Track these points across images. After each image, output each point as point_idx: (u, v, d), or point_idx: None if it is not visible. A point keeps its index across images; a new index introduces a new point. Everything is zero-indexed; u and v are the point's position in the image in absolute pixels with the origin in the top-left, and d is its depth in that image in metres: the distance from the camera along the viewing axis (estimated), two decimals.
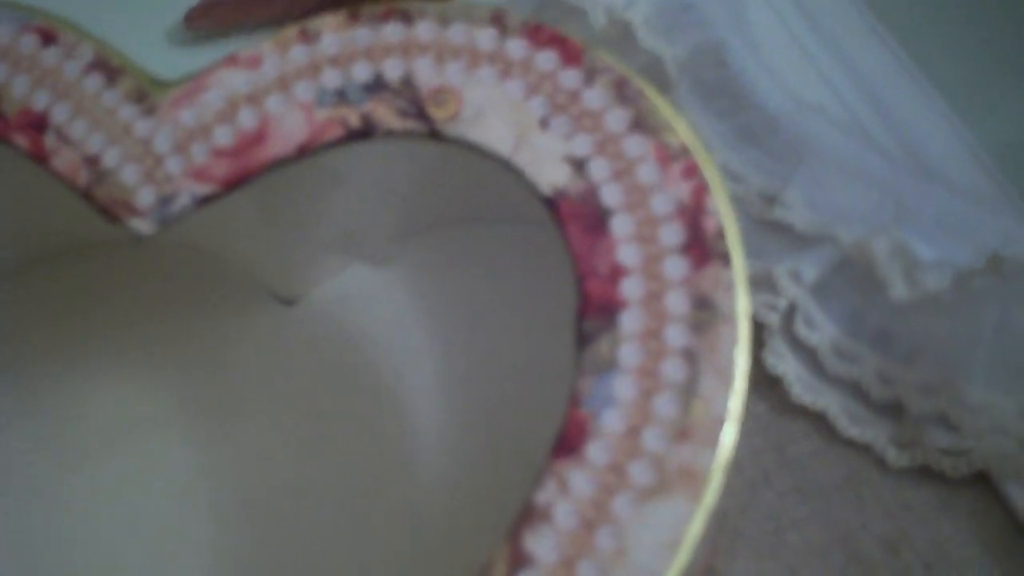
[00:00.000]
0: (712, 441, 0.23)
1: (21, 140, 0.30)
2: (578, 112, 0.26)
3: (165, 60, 0.45)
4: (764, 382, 0.40)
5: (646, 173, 0.26)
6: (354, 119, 0.28)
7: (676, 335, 0.24)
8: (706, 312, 0.24)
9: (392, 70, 0.28)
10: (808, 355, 0.40)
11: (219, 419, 0.37)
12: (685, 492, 0.22)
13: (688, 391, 0.23)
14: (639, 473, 0.23)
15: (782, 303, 0.39)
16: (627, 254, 0.25)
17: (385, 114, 0.28)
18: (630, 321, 0.24)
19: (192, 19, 0.49)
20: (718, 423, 0.23)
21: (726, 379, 0.24)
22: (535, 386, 0.33)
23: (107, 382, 0.38)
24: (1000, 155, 0.44)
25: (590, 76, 0.27)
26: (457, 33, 0.28)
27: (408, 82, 0.28)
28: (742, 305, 0.24)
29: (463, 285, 0.39)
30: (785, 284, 0.39)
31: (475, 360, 0.38)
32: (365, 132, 0.28)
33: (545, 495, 0.23)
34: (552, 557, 0.22)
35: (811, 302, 0.40)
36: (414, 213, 0.39)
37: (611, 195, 0.25)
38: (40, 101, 0.30)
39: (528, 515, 0.23)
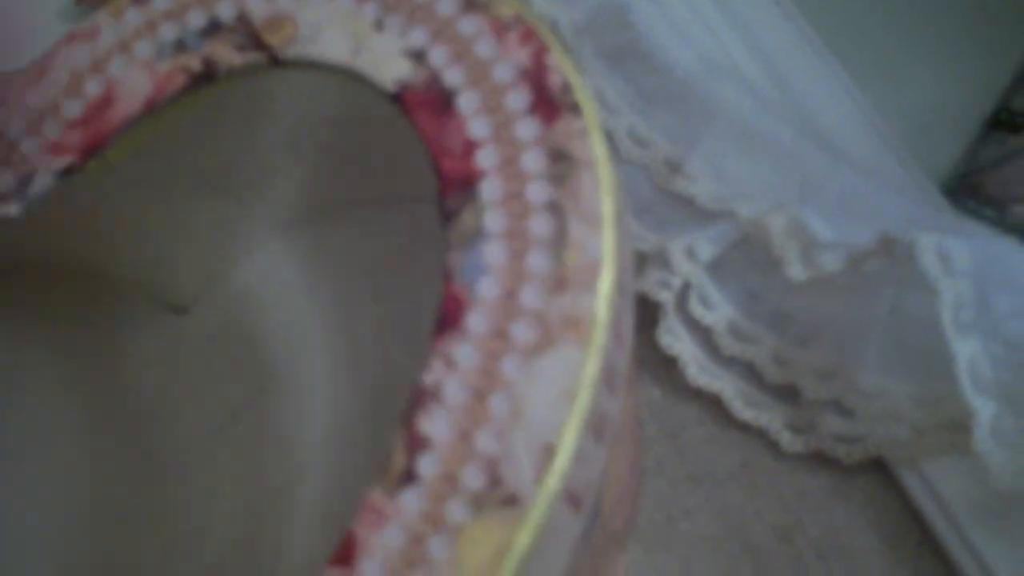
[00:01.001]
0: (590, 285, 0.23)
1: None
2: (409, 8, 0.27)
3: (55, 37, 0.45)
4: (659, 364, 0.39)
5: (484, 48, 0.26)
6: (195, 64, 0.29)
7: (537, 191, 0.24)
8: (564, 163, 0.24)
9: (225, 11, 0.29)
10: (703, 335, 0.39)
11: (122, 432, 0.37)
12: (572, 339, 0.22)
13: (558, 242, 0.23)
14: (522, 332, 0.23)
15: (676, 281, 0.38)
16: (477, 127, 0.25)
17: (224, 52, 0.28)
18: (490, 189, 0.24)
19: None
20: (593, 266, 0.23)
21: (594, 223, 0.23)
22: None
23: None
24: (903, 132, 0.44)
25: None
26: None
27: (242, 18, 0.29)
28: (598, 150, 0.25)
29: (351, 273, 0.39)
30: (679, 261, 0.38)
31: (366, 345, 0.37)
32: (208, 75, 0.28)
33: (432, 375, 0.23)
34: (448, 434, 0.22)
35: (707, 280, 0.39)
36: (299, 194, 0.38)
37: (453, 76, 0.26)
38: None
39: (419, 398, 0.23)
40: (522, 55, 0.26)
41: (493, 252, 0.24)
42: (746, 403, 0.38)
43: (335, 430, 0.36)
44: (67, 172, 0.29)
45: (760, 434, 0.38)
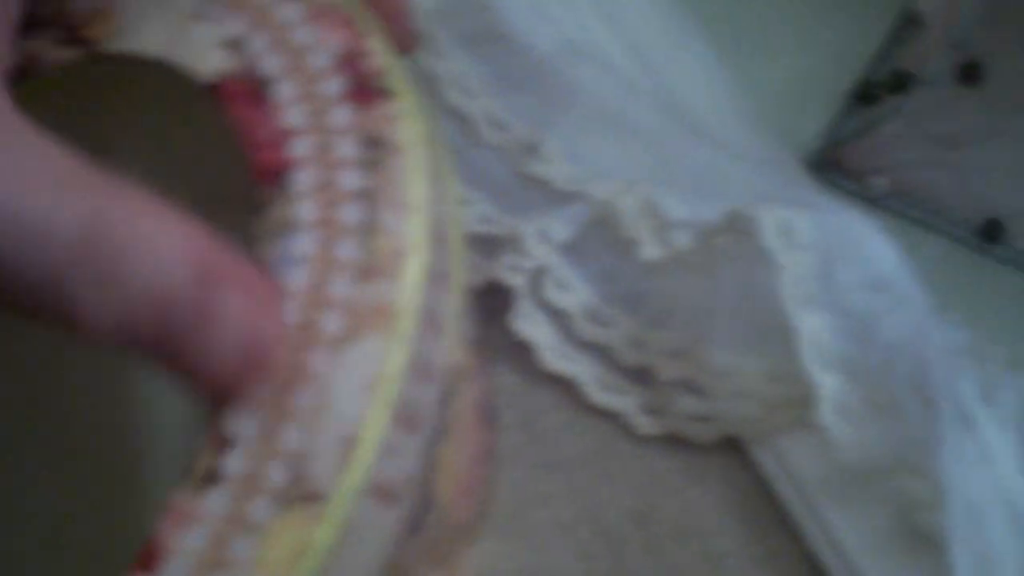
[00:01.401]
0: (397, 273, 0.22)
1: None
2: None
3: None
4: (513, 350, 0.39)
5: (301, 36, 0.26)
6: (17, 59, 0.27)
7: (349, 179, 0.23)
8: (377, 149, 0.24)
9: (44, 7, 0.28)
10: (560, 320, 0.39)
11: None
12: (377, 329, 0.22)
13: (367, 230, 0.23)
14: (330, 323, 0.22)
15: (527, 264, 0.38)
16: (292, 117, 0.25)
17: (44, 47, 0.27)
18: (302, 179, 0.24)
19: None
20: (401, 254, 0.23)
21: (405, 209, 0.23)
22: None
23: None
24: (769, 106, 0.44)
25: None
26: None
27: (60, 12, 0.28)
28: (414, 134, 0.24)
29: None
30: (532, 245, 0.38)
31: None
32: (31, 71, 0.27)
33: None
34: (253, 431, 0.22)
35: (562, 263, 0.39)
36: None
37: (270, 66, 0.25)
38: None
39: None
40: (339, 42, 0.25)
41: (304, 243, 0.23)
42: (601, 387, 0.38)
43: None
44: None
45: (616, 418, 0.38)
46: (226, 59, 0.26)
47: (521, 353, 0.39)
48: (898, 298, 0.34)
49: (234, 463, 0.22)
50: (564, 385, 0.38)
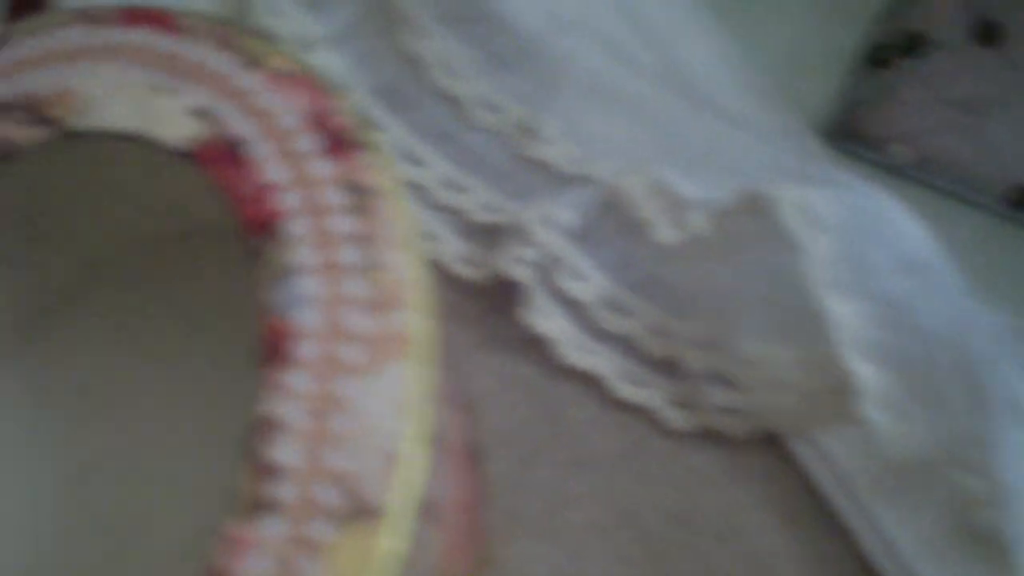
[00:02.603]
0: (405, 300, 0.25)
1: None
2: (184, 68, 0.29)
3: None
4: (532, 344, 0.37)
5: (265, 100, 0.28)
6: None
7: (341, 223, 0.26)
8: (359, 196, 0.26)
9: (5, 89, 0.29)
10: (575, 310, 0.37)
11: None
12: (398, 353, 0.24)
13: (369, 268, 0.25)
14: (352, 354, 0.25)
15: (531, 253, 0.36)
16: (273, 172, 0.27)
17: (11, 129, 0.29)
18: (296, 227, 0.26)
19: None
20: (406, 284, 0.25)
21: (399, 245, 0.26)
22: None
23: None
24: (773, 71, 0.42)
25: (180, 34, 0.29)
26: (54, 40, 0.30)
27: (21, 95, 0.29)
28: (391, 180, 0.27)
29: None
30: (538, 232, 0.36)
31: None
32: (4, 154, 0.29)
33: (270, 404, 0.24)
34: (297, 458, 0.24)
35: (574, 250, 0.37)
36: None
37: (241, 128, 0.28)
38: None
39: (261, 428, 0.24)
40: (304, 103, 0.28)
41: (308, 284, 0.26)
42: (626, 380, 0.36)
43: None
44: None
45: (645, 412, 0.36)
46: (196, 126, 0.28)
47: (538, 346, 0.37)
48: (933, 281, 0.32)
49: (285, 489, 0.24)
50: (589, 379, 0.37)
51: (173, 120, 0.28)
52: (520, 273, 0.36)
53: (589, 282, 0.37)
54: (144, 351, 0.37)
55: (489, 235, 0.39)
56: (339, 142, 0.27)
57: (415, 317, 0.25)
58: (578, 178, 0.38)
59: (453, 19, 0.40)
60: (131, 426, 0.36)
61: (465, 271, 0.39)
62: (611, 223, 0.37)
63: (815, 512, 0.35)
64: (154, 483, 0.35)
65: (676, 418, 0.36)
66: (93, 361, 0.37)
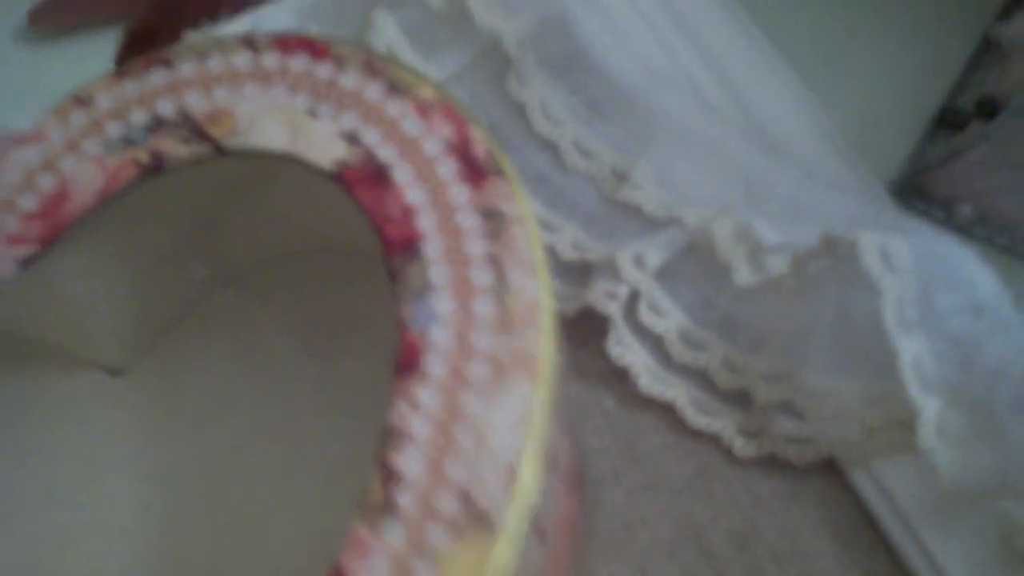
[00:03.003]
0: (532, 322, 0.27)
1: None
2: (339, 94, 0.31)
3: (11, 59, 0.51)
4: (613, 375, 0.40)
5: (410, 127, 0.30)
6: (144, 157, 0.31)
7: (475, 246, 0.28)
8: (495, 220, 0.28)
9: (165, 107, 0.32)
10: (655, 344, 0.40)
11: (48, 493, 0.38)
12: (524, 374, 0.26)
13: (499, 287, 0.27)
14: (478, 369, 0.26)
15: (622, 290, 0.39)
16: (414, 195, 0.29)
17: (171, 146, 0.31)
18: (431, 247, 0.28)
19: (36, 17, 0.51)
20: (534, 307, 0.27)
21: (529, 269, 0.27)
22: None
23: None
24: (850, 133, 0.45)
25: (340, 63, 0.31)
26: (216, 64, 0.32)
27: (182, 113, 0.32)
28: (524, 207, 0.28)
29: (289, 330, 0.41)
30: (628, 270, 0.39)
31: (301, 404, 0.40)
32: (157, 166, 0.31)
33: (399, 415, 0.26)
34: (420, 467, 0.25)
35: (657, 288, 0.40)
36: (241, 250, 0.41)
37: (386, 153, 0.30)
38: None
39: (389, 436, 0.26)
40: (447, 131, 0.30)
41: (442, 302, 0.27)
42: (699, 410, 0.39)
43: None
44: (28, 262, 0.31)
45: (714, 440, 0.39)
46: (345, 150, 0.30)
47: (619, 377, 0.40)
48: (998, 323, 0.35)
49: (406, 496, 0.25)
50: (662, 408, 0.40)
51: (324, 143, 0.30)
52: (609, 307, 0.39)
53: (669, 318, 0.40)
54: (269, 359, 0.39)
55: (575, 272, 0.43)
56: (476, 169, 0.29)
57: (540, 339, 0.26)
58: (665, 221, 0.41)
59: (555, 68, 0.44)
60: (258, 426, 0.39)
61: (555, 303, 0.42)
62: (694, 264, 0.40)
63: (870, 537, 0.38)
64: (280, 481, 0.37)
65: (743, 446, 0.39)
66: (220, 367, 0.40)
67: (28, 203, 0.32)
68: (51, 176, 0.32)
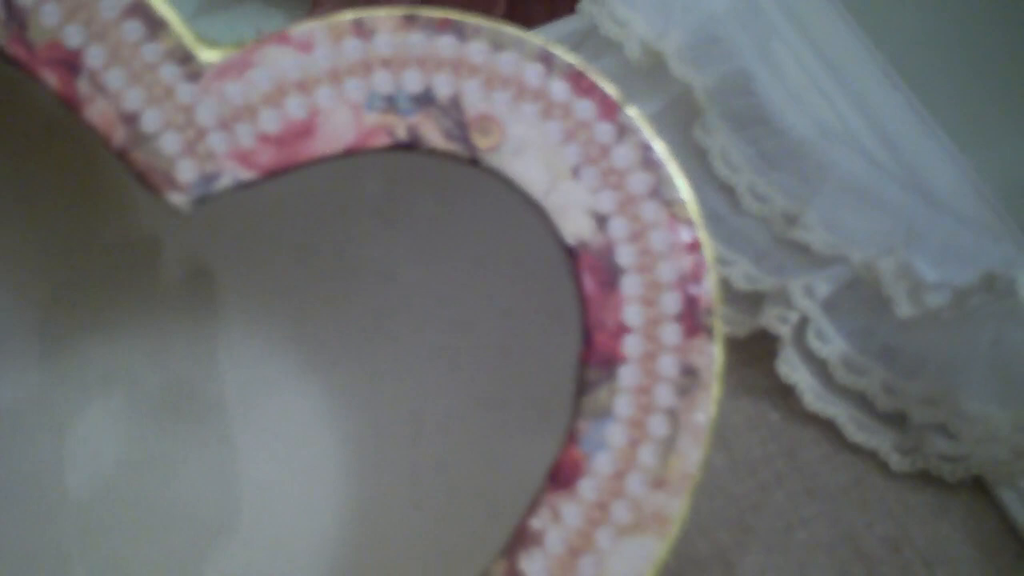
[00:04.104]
0: (682, 491, 0.27)
1: (50, 78, 0.28)
2: (607, 167, 0.29)
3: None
4: (777, 391, 0.45)
5: (658, 240, 0.28)
6: (401, 130, 0.29)
7: (664, 395, 0.28)
8: (690, 378, 0.28)
9: (442, 86, 0.29)
10: (819, 366, 0.45)
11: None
12: (656, 532, 0.27)
13: (668, 446, 0.27)
14: (621, 512, 0.27)
15: (793, 316, 0.44)
16: (632, 314, 0.28)
17: (431, 132, 0.29)
18: (628, 376, 0.28)
19: None
20: (689, 477, 0.27)
21: (699, 440, 0.27)
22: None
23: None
24: (1000, 188, 0.49)
25: (621, 133, 0.29)
26: (507, 62, 0.29)
27: (456, 103, 0.29)
28: (717, 370, 0.28)
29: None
30: (799, 298, 0.44)
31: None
32: (410, 144, 0.29)
33: (539, 521, 0.27)
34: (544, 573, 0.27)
35: (823, 316, 0.45)
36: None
37: (626, 255, 0.28)
38: (73, 37, 0.28)
39: (522, 537, 0.27)
40: (686, 262, 0.28)
41: (615, 434, 0.27)
42: (858, 427, 0.44)
43: None
44: (244, 186, 0.29)
45: (871, 454, 0.44)
46: (590, 230, 0.28)
47: (783, 394, 0.45)
48: None
49: None
50: (823, 424, 0.45)
51: (574, 211, 0.28)
52: (780, 329, 0.44)
53: (833, 344, 0.45)
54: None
55: (746, 301, 0.48)
56: (693, 318, 0.28)
57: (682, 505, 0.27)
58: (831, 259, 0.46)
59: (736, 119, 0.49)
60: None
61: (724, 328, 0.48)
62: (857, 297, 0.45)
63: (1015, 549, 0.42)
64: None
65: (899, 461, 0.43)
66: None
67: (270, 122, 0.29)
68: (303, 100, 0.29)
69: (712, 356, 0.28)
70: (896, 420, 0.44)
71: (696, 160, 0.50)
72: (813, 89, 0.52)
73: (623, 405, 0.27)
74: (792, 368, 0.45)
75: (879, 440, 0.44)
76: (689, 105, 0.48)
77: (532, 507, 0.27)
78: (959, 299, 0.41)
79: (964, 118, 0.52)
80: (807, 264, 0.46)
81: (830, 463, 0.44)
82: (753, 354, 0.46)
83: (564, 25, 0.55)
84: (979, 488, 0.43)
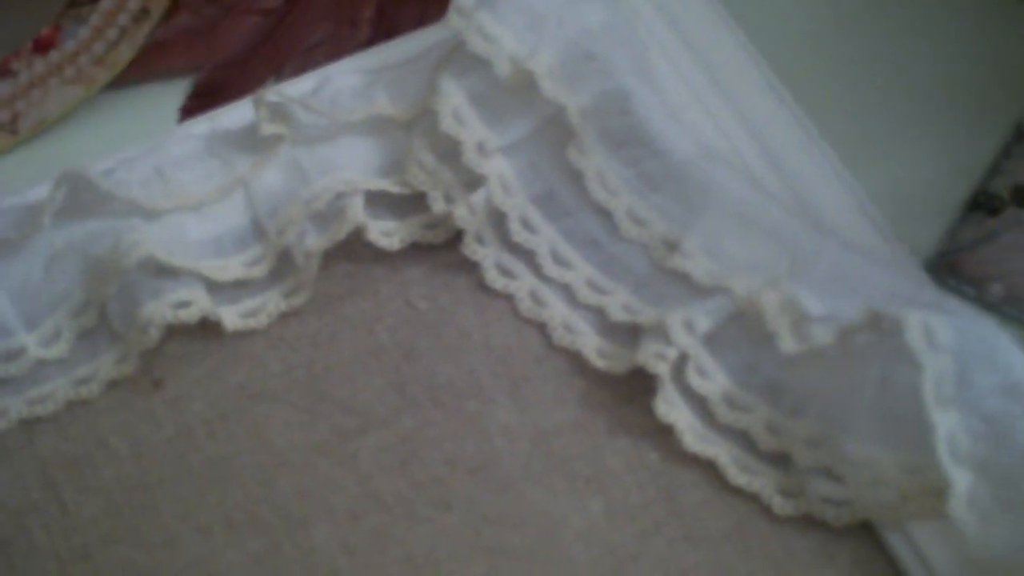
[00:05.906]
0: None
1: None
2: None
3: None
4: (657, 430, 0.44)
5: None
6: None
7: (123, 19, 0.51)
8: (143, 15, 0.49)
9: None
10: (700, 404, 0.43)
11: None
12: (85, 87, 0.43)
13: (112, 46, 0.48)
14: (69, 72, 0.45)
15: (672, 352, 0.42)
16: None
17: None
18: (106, 4, 0.49)
19: None
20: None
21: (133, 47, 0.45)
22: None
23: None
24: (887, 208, 0.48)
25: None
26: None
27: None
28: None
29: None
30: (677, 333, 0.42)
31: None
32: None
33: (17, 65, 0.44)
34: None
35: (704, 352, 0.43)
36: None
37: None
38: None
39: None
40: None
41: (83, 32, 0.51)
42: (740, 469, 0.42)
43: None
44: None
45: (753, 498, 0.42)
46: None
47: (663, 433, 0.43)
48: None
49: None
50: (705, 465, 0.43)
51: None
52: (658, 367, 0.43)
53: (714, 381, 0.43)
54: None
55: (625, 333, 0.46)
56: None
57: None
58: (713, 290, 0.44)
59: (614, 140, 0.47)
60: None
61: (601, 363, 0.46)
62: (740, 330, 0.43)
63: None
64: None
65: (782, 505, 0.42)
66: None
67: None
68: None
69: None
70: (780, 461, 0.43)
71: (571, 183, 0.48)
72: (696, 106, 0.51)
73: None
74: (671, 406, 0.43)
75: (762, 482, 0.42)
76: (563, 125, 0.46)
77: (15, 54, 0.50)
78: (844, 337, 0.40)
79: (851, 133, 0.51)
80: (688, 294, 0.45)
81: (711, 508, 0.42)
82: (633, 390, 0.45)
83: (433, 34, 0.52)
84: (866, 533, 0.42)
